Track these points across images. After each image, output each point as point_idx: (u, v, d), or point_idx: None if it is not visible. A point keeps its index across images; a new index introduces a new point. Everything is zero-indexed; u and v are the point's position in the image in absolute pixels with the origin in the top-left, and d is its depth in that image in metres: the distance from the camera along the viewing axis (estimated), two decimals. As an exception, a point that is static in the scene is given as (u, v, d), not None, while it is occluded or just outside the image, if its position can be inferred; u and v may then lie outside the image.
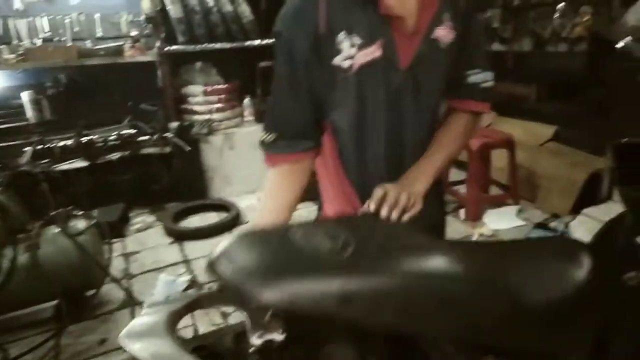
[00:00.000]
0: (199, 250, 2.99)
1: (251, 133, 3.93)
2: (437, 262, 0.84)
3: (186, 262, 2.86)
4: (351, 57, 0.98)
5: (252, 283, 0.73)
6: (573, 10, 3.38)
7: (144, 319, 0.79)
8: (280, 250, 0.80)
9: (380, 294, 0.76)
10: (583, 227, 2.64)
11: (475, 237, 2.89)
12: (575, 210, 2.89)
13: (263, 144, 1.08)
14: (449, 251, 0.87)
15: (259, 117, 4.05)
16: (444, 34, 1.04)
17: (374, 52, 0.98)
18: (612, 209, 2.67)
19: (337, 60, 0.98)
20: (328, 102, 1.06)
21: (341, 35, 0.96)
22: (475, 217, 3.12)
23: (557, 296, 0.92)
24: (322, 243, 0.81)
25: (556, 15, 3.47)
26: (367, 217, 0.98)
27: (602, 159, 3.01)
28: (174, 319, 0.79)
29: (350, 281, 0.74)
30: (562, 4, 3.45)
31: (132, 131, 3.56)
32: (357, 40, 0.97)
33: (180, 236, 3.19)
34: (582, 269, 0.97)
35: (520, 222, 3.03)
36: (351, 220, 1.01)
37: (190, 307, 0.85)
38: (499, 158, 3.32)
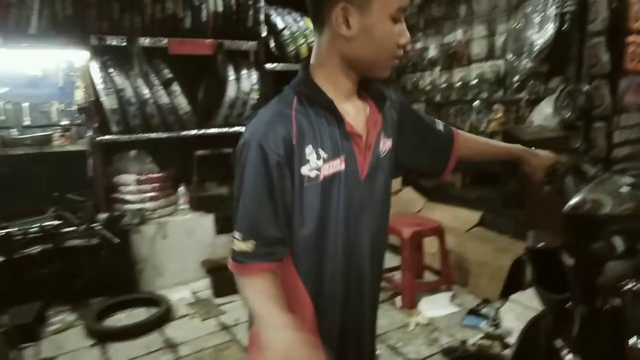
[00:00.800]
0: (124, 351, 2.77)
1: (185, 221, 3.85)
2: None
3: (109, 367, 2.64)
4: (318, 169, 1.05)
5: None
6: (487, 107, 3.74)
7: None
8: None
9: None
10: (511, 313, 2.73)
11: (411, 327, 2.91)
12: (505, 294, 3.00)
13: (241, 254, 1.01)
14: None
15: (195, 205, 4.00)
16: (384, 146, 1.18)
17: (338, 165, 1.08)
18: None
19: (305, 170, 1.04)
20: (293, 209, 1.08)
21: (309, 148, 1.04)
22: (411, 305, 3.15)
23: None
24: None
25: (473, 111, 3.82)
26: None
27: (524, 244, 3.20)
28: None
29: None
30: (477, 102, 3.81)
31: (56, 222, 3.37)
32: (323, 153, 1.05)
33: (103, 337, 2.95)
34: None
35: (454, 309, 3.09)
36: None
37: None
38: (430, 244, 3.44)
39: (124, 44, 3.58)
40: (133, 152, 3.84)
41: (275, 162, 1.00)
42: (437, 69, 4.23)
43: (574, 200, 1.20)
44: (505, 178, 3.40)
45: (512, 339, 2.56)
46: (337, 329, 1.18)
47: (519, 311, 2.72)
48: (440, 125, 1.34)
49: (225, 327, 3.04)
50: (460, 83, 4.00)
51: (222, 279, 3.50)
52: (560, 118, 3.04)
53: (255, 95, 4.08)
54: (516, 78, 3.49)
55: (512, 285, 3.06)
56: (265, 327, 0.91)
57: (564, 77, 3.21)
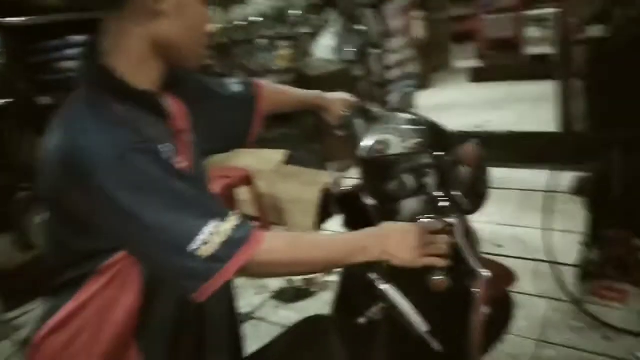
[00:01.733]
0: None
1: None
2: None
3: None
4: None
5: None
6: (272, 45, 3.71)
7: None
8: None
9: None
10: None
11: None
12: (319, 225, 3.19)
13: (237, 237, 0.80)
14: None
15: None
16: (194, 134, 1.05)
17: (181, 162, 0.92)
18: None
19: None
20: None
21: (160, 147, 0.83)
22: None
23: None
24: None
25: (259, 50, 3.75)
26: None
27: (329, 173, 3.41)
28: None
29: None
30: (262, 40, 3.75)
31: None
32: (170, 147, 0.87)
33: None
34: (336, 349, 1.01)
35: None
36: None
37: None
38: (243, 191, 3.40)
39: None
40: None
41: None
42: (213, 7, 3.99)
43: (364, 143, 1.23)
44: (301, 114, 3.50)
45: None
46: None
47: (333, 238, 2.92)
48: (236, 86, 1.21)
49: (27, 344, 2.58)
50: (240, 22, 3.85)
51: (9, 289, 2.92)
52: (341, 51, 3.18)
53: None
54: (294, 12, 3.50)
55: (323, 215, 3.25)
56: (368, 238, 0.94)
57: (339, 10, 3.34)
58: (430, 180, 1.11)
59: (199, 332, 0.98)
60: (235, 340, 1.12)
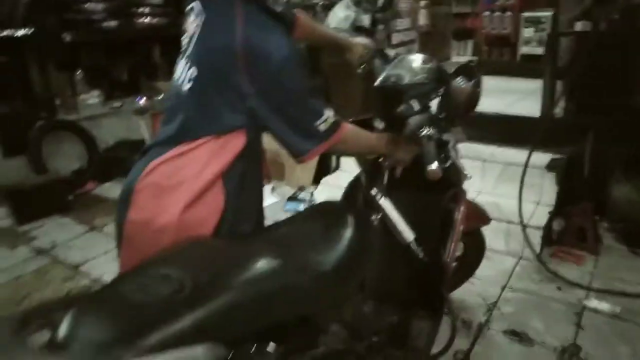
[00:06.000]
0: None
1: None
2: (260, 266, 0.98)
3: None
4: None
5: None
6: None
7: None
8: (123, 314, 0.80)
9: (227, 313, 0.85)
10: (324, 194, 3.19)
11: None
12: (316, 180, 3.45)
13: (336, 121, 1.21)
14: (264, 251, 1.03)
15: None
16: None
17: None
18: (341, 176, 3.31)
19: None
20: None
21: None
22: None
23: (341, 254, 1.19)
24: (160, 289, 0.84)
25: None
26: (193, 244, 1.06)
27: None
28: (17, 330, 0.72)
29: (197, 314, 0.81)
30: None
31: None
32: None
33: None
34: (349, 226, 1.27)
35: (275, 199, 3.42)
36: (180, 254, 1.03)
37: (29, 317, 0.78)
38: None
39: None
40: None
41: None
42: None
43: (381, 77, 1.50)
44: (310, 76, 3.73)
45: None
46: None
47: (329, 191, 3.19)
48: (279, 9, 1.43)
49: (41, 251, 2.81)
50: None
51: (24, 204, 3.14)
52: (353, 22, 3.42)
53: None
54: (311, -17, 3.73)
55: (321, 171, 3.51)
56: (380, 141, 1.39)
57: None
58: (432, 103, 1.39)
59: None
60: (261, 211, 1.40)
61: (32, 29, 3.52)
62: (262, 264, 0.97)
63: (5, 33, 3.42)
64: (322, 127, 1.17)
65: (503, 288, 2.38)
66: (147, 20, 4.31)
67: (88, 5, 3.87)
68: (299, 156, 1.20)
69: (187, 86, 1.16)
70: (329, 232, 1.28)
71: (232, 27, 1.07)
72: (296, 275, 1.02)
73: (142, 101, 3.44)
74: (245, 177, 1.20)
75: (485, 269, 2.30)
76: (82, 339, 0.72)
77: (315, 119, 1.16)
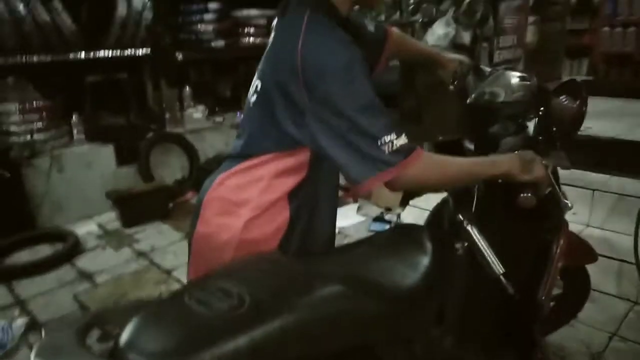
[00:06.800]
0: (34, 287, 2.65)
1: (83, 153, 3.62)
2: (324, 287, 0.92)
3: (20, 302, 2.52)
4: None
5: None
6: (385, 30, 3.91)
7: (50, 339, 0.74)
8: (182, 324, 0.80)
9: (285, 335, 0.81)
10: (411, 216, 3.07)
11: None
12: (404, 202, 3.34)
13: (407, 147, 1.01)
14: (331, 272, 0.98)
15: (91, 135, 3.75)
16: None
17: None
18: (431, 198, 3.16)
19: None
20: None
21: None
22: (321, 218, 3.37)
23: (415, 281, 1.10)
24: (220, 304, 0.83)
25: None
26: (257, 260, 1.04)
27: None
28: (82, 334, 0.75)
29: (255, 333, 0.78)
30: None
31: None
32: None
33: (6, 275, 2.78)
34: (429, 252, 1.19)
35: (361, 218, 3.37)
36: (242, 269, 1.02)
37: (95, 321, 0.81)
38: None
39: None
40: (11, 79, 3.45)
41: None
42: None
43: (475, 93, 1.40)
44: (403, 96, 3.66)
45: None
46: None
47: (418, 214, 3.07)
48: (372, 27, 1.41)
49: (141, 254, 3.02)
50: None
51: (130, 209, 3.42)
52: (453, 40, 3.30)
53: (148, 15, 3.82)
54: (411, 0, 3.67)
55: (410, 193, 3.39)
56: (494, 163, 1.14)
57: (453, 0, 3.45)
58: (529, 124, 1.26)
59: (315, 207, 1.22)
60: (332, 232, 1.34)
61: (150, 49, 3.87)
62: (327, 285, 0.92)
63: (128, 52, 3.81)
64: (386, 151, 0.98)
65: (611, 336, 2.08)
66: (251, 40, 4.53)
67: (200, 27, 4.16)
68: (354, 184, 1.02)
69: (252, 99, 1.16)
70: (405, 257, 1.21)
71: (295, 39, 1.02)
72: (363, 299, 0.96)
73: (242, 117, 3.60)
74: (313, 197, 1.16)
75: (591, 313, 2.04)
76: (141, 349, 0.73)
77: (376, 140, 0.97)
